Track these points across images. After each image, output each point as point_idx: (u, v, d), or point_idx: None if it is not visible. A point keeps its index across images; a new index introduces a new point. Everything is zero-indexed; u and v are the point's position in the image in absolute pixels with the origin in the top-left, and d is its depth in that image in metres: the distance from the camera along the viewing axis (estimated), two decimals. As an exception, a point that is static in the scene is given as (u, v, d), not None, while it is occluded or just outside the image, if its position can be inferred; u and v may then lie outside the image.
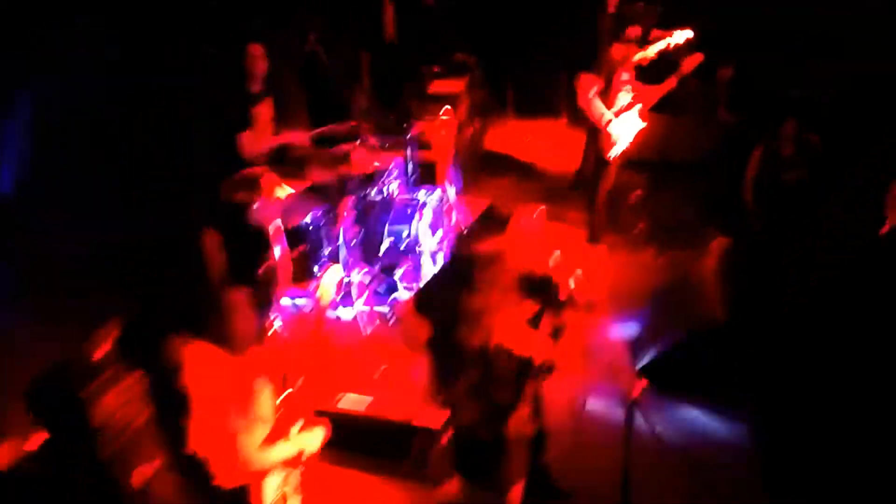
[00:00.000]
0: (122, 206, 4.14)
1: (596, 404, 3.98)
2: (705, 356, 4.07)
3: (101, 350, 3.38)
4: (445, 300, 2.62)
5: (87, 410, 3.13)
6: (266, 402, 2.52)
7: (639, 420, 2.40)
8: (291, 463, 2.48)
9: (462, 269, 2.58)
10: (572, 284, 2.62)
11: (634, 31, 5.27)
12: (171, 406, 2.23)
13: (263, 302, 4.69)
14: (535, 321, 2.75)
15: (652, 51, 5.33)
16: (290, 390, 2.62)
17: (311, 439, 2.56)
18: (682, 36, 5.27)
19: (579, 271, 2.66)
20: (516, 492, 2.82)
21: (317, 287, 3.04)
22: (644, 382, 2.41)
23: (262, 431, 2.43)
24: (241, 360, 2.44)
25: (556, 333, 2.63)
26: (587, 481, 3.52)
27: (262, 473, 2.38)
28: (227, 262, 2.53)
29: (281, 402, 2.56)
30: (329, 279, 3.04)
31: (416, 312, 3.28)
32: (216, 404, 2.24)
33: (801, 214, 5.11)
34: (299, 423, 2.59)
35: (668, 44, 5.30)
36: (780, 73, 6.31)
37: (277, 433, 2.50)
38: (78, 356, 3.20)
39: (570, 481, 3.56)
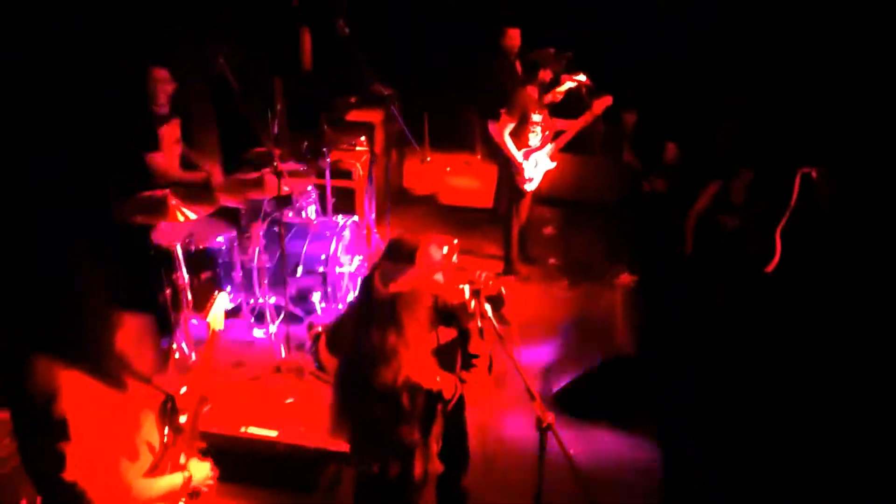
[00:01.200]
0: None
1: (509, 431, 3.99)
2: (615, 384, 4.19)
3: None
4: (354, 337, 2.56)
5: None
6: (151, 429, 2.38)
7: (551, 444, 2.40)
8: (178, 494, 2.34)
9: (369, 305, 2.53)
10: (486, 314, 2.61)
11: (545, 74, 5.45)
12: (44, 435, 2.04)
13: (164, 327, 4.49)
14: (446, 352, 2.74)
15: (558, 93, 5.53)
16: (182, 418, 2.49)
17: (198, 469, 2.42)
18: (580, 79, 5.48)
19: (488, 304, 2.66)
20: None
21: (206, 313, 2.95)
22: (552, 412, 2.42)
23: (145, 460, 2.29)
24: (123, 387, 2.28)
25: (467, 363, 2.61)
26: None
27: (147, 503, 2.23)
28: (120, 285, 2.37)
29: (170, 430, 2.42)
30: (219, 305, 2.96)
31: (326, 349, 3.22)
32: (96, 430, 2.08)
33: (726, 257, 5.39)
34: (186, 455, 2.45)
35: (572, 86, 5.51)
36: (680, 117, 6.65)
37: (164, 463, 2.36)
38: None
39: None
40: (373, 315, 2.51)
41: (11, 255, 2.35)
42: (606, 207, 6.68)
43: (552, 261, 6.17)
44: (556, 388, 4.39)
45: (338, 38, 7.75)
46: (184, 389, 2.74)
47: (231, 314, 4.68)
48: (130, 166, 4.46)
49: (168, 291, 4.35)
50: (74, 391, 2.07)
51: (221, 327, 2.95)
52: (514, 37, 6.36)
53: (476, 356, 2.61)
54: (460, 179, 8.00)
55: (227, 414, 3.90)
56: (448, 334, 2.84)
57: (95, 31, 4.60)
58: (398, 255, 2.69)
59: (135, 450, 2.26)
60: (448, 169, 8.18)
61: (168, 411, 2.48)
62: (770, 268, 4.14)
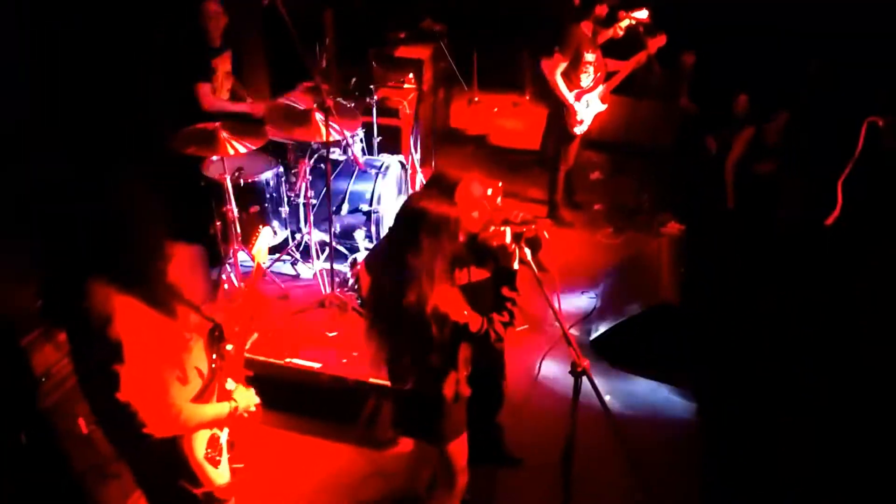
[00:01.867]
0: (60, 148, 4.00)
1: (548, 373, 4.04)
2: (656, 334, 4.17)
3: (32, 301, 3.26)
4: (390, 260, 2.58)
5: (27, 359, 3.03)
6: (200, 355, 2.47)
7: (587, 390, 2.43)
8: (223, 422, 2.45)
9: (408, 230, 2.53)
10: (526, 258, 2.61)
11: (601, 9, 5.26)
12: (99, 356, 2.15)
13: (214, 258, 4.62)
14: (477, 291, 2.76)
15: (618, 30, 5.35)
16: (229, 346, 2.58)
17: (243, 397, 2.52)
18: (639, 16, 5.28)
19: (527, 247, 2.66)
20: (456, 447, 2.85)
21: (251, 247, 3.02)
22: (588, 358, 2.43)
23: (194, 385, 2.39)
24: (173, 314, 2.37)
25: (501, 306, 2.62)
26: (535, 446, 3.60)
27: (194, 427, 2.34)
28: (175, 216, 2.44)
29: (217, 356, 2.52)
30: (263, 240, 3.03)
31: (364, 272, 3.27)
32: (149, 354, 2.17)
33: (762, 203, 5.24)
34: (234, 381, 2.55)
35: (631, 23, 5.31)
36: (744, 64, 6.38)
37: (212, 389, 2.47)
38: (15, 304, 3.09)
39: (519, 445, 3.64)
40: (403, 238, 2.52)
41: (70, 183, 2.42)
42: (658, 153, 6.51)
43: (598, 206, 6.09)
44: (597, 335, 4.40)
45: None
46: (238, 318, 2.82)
47: (277, 249, 4.80)
48: (183, 98, 4.51)
49: (218, 224, 4.46)
50: (128, 315, 2.15)
51: (266, 261, 3.02)
52: None
53: (510, 300, 2.61)
54: (508, 121, 7.86)
55: (272, 345, 4.04)
56: (479, 274, 2.86)
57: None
58: (438, 188, 2.69)
59: (185, 374, 2.36)
60: (496, 110, 8.04)
61: (216, 339, 2.57)
62: (830, 220, 3.98)
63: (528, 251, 2.59)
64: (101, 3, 4.30)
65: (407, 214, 2.54)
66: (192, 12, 4.60)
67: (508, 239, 2.61)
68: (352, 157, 4.66)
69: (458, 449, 2.88)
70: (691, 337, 4.09)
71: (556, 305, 2.59)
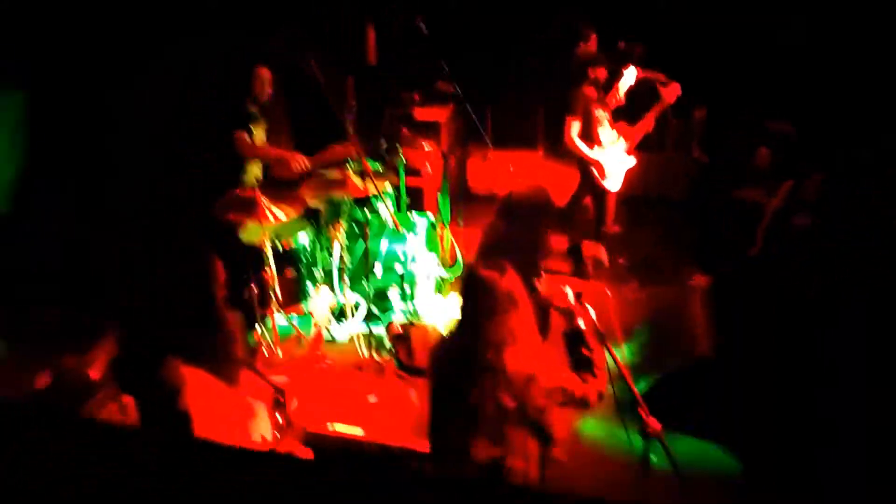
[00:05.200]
0: (113, 216, 4.05)
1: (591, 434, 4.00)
2: (696, 390, 4.15)
3: (98, 367, 3.27)
4: (470, 329, 2.58)
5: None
6: (264, 422, 2.47)
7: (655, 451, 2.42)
8: None
9: (485, 297, 2.54)
10: (590, 315, 2.63)
11: (597, 72, 5.41)
12: (168, 427, 2.16)
13: (250, 323, 4.63)
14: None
15: (621, 91, 5.48)
16: (286, 412, 2.58)
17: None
18: (629, 78, 5.40)
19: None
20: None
21: (311, 309, 3.04)
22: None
23: None
24: (237, 382, 2.39)
25: (582, 365, 2.60)
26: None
27: None
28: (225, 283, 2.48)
29: (282, 422, 2.52)
30: (321, 300, 3.05)
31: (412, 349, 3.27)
32: (217, 424, 2.18)
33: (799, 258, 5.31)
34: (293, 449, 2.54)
35: (630, 82, 5.45)
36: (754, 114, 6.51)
37: None
38: (74, 373, 3.09)
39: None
40: (488, 304, 2.50)
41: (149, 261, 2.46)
42: (675, 205, 6.60)
43: (621, 260, 6.12)
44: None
45: (402, 33, 7.85)
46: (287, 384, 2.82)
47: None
48: (227, 162, 4.61)
49: (254, 288, 4.48)
50: (197, 386, 2.17)
51: (327, 324, 3.03)
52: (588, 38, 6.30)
53: (588, 358, 2.59)
54: (523, 176, 7.95)
55: (313, 410, 4.00)
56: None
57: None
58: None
59: (251, 443, 2.36)
60: (510, 167, 8.15)
61: (279, 405, 2.57)
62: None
63: (590, 308, 2.61)
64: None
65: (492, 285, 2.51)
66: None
67: (571, 299, 2.63)
68: (383, 219, 4.72)
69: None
70: (732, 391, 4.07)
71: (623, 363, 2.59)
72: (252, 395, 2.49)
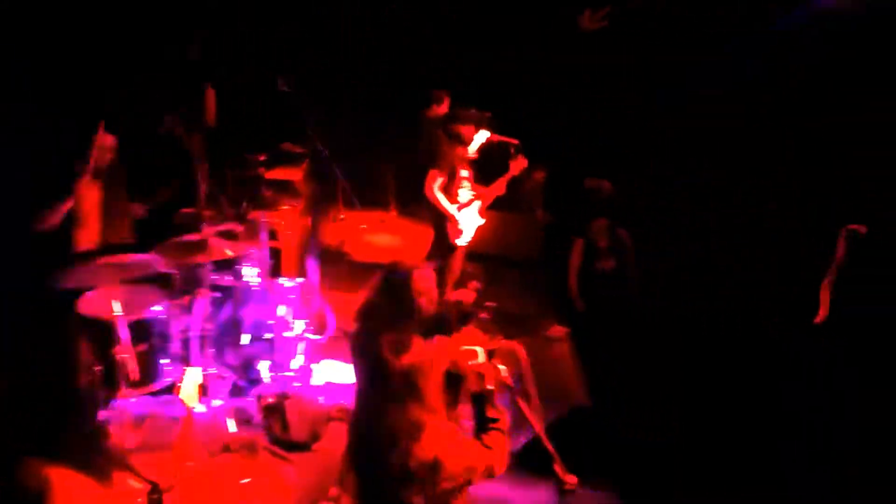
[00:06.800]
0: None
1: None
2: (575, 439, 4.22)
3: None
4: (367, 416, 2.44)
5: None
6: None
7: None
8: None
9: (380, 379, 2.42)
10: (502, 375, 2.58)
11: (468, 131, 5.61)
12: None
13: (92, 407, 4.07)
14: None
15: (472, 151, 5.69)
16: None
17: None
18: (482, 136, 5.67)
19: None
20: None
21: (178, 390, 2.75)
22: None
23: None
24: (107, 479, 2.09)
25: (484, 427, 2.54)
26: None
27: None
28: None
29: None
30: (189, 381, 2.78)
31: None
32: None
33: (613, 300, 5.75)
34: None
35: (482, 142, 5.70)
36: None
37: None
38: None
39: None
40: (387, 390, 2.38)
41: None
42: (528, 262, 6.87)
43: (483, 314, 6.20)
44: (514, 447, 4.37)
45: (242, 93, 7.64)
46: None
47: (166, 389, 4.33)
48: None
49: (97, 367, 3.96)
50: (66, 489, 1.86)
51: (196, 405, 2.74)
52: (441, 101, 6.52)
53: (495, 419, 2.54)
54: (377, 236, 7.94)
55: (186, 500, 3.56)
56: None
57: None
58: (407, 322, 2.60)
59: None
60: (363, 226, 8.10)
61: (155, 501, 2.26)
62: (818, 320, 4.39)
63: (502, 369, 2.57)
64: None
65: (387, 366, 2.40)
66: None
67: (482, 358, 2.57)
68: (247, 284, 4.42)
69: None
70: (611, 437, 4.19)
71: (537, 423, 2.56)
72: (125, 494, 2.16)
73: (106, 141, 4.39)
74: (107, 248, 4.21)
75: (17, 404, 1.93)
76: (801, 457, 3.77)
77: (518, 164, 5.65)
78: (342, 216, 8.07)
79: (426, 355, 2.44)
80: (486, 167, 5.91)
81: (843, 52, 5.70)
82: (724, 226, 5.61)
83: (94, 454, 2.06)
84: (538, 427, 2.53)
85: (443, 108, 6.55)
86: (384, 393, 2.36)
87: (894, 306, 3.96)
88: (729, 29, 6.53)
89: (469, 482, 2.42)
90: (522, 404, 2.56)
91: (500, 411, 2.56)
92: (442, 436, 2.35)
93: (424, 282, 2.63)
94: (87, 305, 4.07)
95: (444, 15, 8.28)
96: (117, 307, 3.86)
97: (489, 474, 2.47)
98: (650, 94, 6.77)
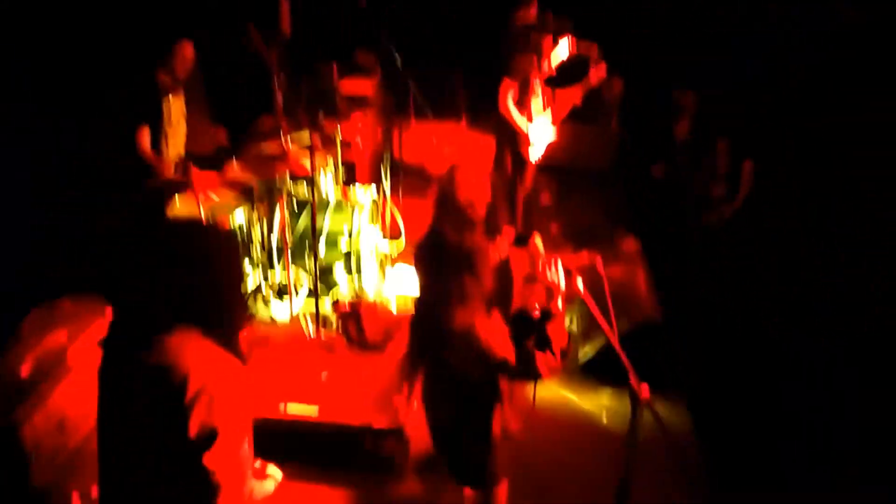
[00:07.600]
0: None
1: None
2: (642, 352, 4.26)
3: (28, 365, 2.98)
4: (428, 284, 2.57)
5: (18, 436, 2.74)
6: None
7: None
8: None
9: (441, 252, 2.56)
10: (579, 289, 2.62)
11: (546, 41, 5.41)
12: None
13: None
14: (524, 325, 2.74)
15: (555, 62, 5.51)
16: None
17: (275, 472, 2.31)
18: (563, 50, 5.47)
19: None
20: (503, 489, 2.80)
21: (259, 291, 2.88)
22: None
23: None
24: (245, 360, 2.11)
25: (543, 344, 2.61)
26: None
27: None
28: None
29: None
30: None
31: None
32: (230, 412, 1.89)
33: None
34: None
35: (563, 56, 5.49)
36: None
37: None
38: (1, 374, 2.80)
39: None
40: (448, 261, 2.53)
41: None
42: (601, 175, 6.75)
43: (554, 230, 6.21)
44: (583, 358, 4.46)
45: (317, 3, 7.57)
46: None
47: (253, 293, 4.57)
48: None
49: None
50: (208, 365, 1.87)
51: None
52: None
53: (549, 338, 2.61)
54: (449, 149, 7.90)
55: (263, 394, 3.84)
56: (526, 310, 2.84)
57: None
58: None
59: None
60: (434, 139, 8.07)
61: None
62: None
63: (580, 283, 2.60)
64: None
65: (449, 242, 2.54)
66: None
67: (559, 277, 2.61)
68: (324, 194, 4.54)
69: (504, 490, 2.82)
70: (679, 351, 4.22)
71: (613, 333, 2.59)
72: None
73: (186, 51, 4.45)
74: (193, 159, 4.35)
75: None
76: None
77: (598, 73, 5.45)
78: (413, 128, 8.04)
79: (483, 244, 2.52)
80: (562, 75, 5.73)
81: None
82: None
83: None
84: (613, 338, 2.56)
85: (532, 11, 6.27)
86: (443, 287, 2.47)
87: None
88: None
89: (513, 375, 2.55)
90: (597, 315, 2.59)
91: (561, 333, 2.62)
92: (491, 333, 2.48)
93: (473, 192, 2.68)
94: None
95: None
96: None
97: (535, 375, 2.58)
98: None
